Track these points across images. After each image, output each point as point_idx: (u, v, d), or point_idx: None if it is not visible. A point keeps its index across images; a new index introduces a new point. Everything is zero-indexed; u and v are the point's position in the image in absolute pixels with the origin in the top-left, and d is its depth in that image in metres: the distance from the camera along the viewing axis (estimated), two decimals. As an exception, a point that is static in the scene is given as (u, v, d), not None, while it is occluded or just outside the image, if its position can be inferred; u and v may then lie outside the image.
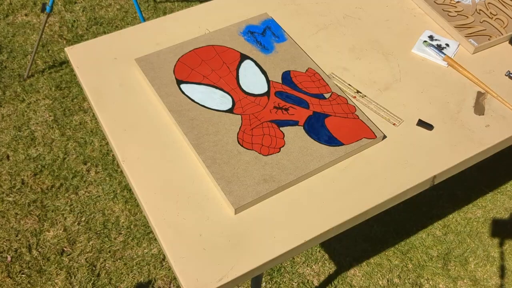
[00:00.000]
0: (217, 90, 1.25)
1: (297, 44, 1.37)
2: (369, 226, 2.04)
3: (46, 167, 2.13)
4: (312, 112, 1.22)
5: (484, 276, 1.95)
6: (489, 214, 2.19)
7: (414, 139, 1.19)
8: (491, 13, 1.47)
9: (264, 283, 1.87)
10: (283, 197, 1.08)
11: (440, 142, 1.18)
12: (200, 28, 1.41)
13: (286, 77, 1.29)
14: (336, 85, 1.28)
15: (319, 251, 1.96)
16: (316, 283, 1.89)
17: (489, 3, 1.50)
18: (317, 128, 1.18)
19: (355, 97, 1.27)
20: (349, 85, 1.29)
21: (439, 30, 1.45)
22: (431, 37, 1.41)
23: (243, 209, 1.05)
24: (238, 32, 1.38)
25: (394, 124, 1.22)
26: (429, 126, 1.21)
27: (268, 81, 1.28)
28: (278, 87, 1.27)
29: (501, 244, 2.11)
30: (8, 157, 2.16)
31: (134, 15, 2.82)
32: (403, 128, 1.21)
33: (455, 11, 1.47)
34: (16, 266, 1.86)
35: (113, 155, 2.18)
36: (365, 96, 1.28)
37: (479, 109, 1.27)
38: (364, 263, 1.95)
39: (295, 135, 1.16)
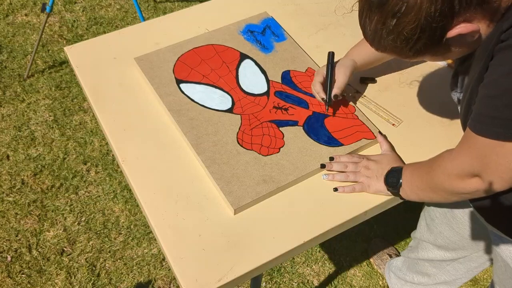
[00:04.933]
0: (217, 90, 1.24)
1: (297, 43, 1.37)
2: (369, 226, 2.04)
3: (46, 167, 2.13)
4: (311, 112, 1.21)
5: (484, 276, 1.95)
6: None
7: (413, 139, 1.19)
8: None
9: (264, 283, 1.87)
10: (283, 197, 1.08)
11: (439, 143, 1.18)
12: (199, 28, 1.40)
13: (286, 76, 1.29)
14: None
15: (319, 251, 1.96)
16: (316, 283, 1.89)
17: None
18: (316, 128, 1.18)
19: (354, 97, 1.26)
20: (349, 85, 1.29)
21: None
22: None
23: (242, 209, 1.04)
24: (237, 31, 1.38)
25: (393, 124, 1.22)
26: (372, 80, 1.28)
27: (267, 80, 1.28)
28: (278, 86, 1.26)
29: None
30: (8, 157, 2.16)
31: (134, 15, 2.82)
32: (403, 129, 1.21)
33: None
34: (16, 266, 1.85)
35: (113, 155, 2.18)
36: (365, 96, 1.27)
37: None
38: (364, 263, 1.95)
39: (294, 135, 1.16)
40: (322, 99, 1.18)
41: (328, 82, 1.17)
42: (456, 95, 0.99)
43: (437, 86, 1.30)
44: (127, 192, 2.07)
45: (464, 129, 0.91)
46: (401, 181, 1.03)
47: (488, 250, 1.32)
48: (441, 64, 1.35)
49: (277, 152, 1.13)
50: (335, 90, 1.17)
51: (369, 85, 1.30)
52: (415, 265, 1.55)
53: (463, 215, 1.24)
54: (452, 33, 0.77)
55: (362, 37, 0.88)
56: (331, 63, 1.19)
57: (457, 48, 0.83)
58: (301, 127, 1.18)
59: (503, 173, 0.83)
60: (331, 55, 1.20)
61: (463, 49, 0.84)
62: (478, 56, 0.83)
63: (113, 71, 1.30)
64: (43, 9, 2.24)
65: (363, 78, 1.29)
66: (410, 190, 1.02)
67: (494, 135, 0.79)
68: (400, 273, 1.65)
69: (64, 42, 2.65)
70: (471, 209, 1.21)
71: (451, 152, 0.92)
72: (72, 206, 2.02)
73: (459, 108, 0.98)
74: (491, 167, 0.83)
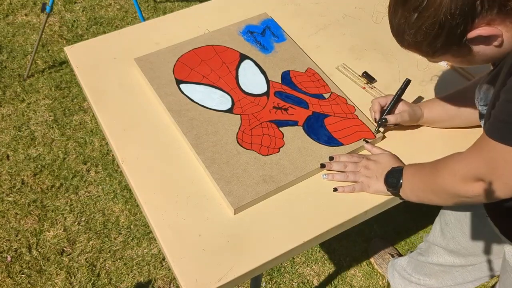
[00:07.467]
0: (217, 90, 1.25)
1: (297, 44, 1.37)
2: (369, 226, 2.04)
3: (46, 167, 2.13)
4: (311, 112, 1.21)
5: (484, 276, 1.95)
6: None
7: (413, 139, 1.19)
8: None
9: (264, 283, 1.87)
10: (283, 197, 1.08)
11: (440, 142, 1.18)
12: (199, 28, 1.40)
13: (286, 77, 1.29)
14: (346, 75, 1.27)
15: (319, 251, 1.96)
16: (316, 283, 1.89)
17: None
18: (316, 128, 1.18)
19: (364, 87, 1.27)
20: (359, 76, 1.29)
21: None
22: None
23: (242, 209, 1.05)
24: (237, 32, 1.38)
25: (393, 124, 1.22)
26: (371, 79, 1.28)
27: (267, 81, 1.28)
28: (278, 87, 1.26)
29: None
30: (8, 157, 2.17)
31: (134, 15, 2.82)
32: (403, 128, 1.21)
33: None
34: (16, 266, 1.86)
35: (113, 155, 2.18)
36: (375, 87, 1.27)
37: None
38: (364, 263, 1.95)
39: (294, 135, 1.16)
40: (374, 119, 1.18)
41: (389, 105, 1.16)
42: (479, 107, 0.97)
43: (437, 87, 1.30)
44: (127, 192, 2.07)
45: None
46: (401, 181, 1.03)
47: (498, 259, 1.30)
48: (442, 64, 1.35)
49: (277, 152, 1.13)
50: (389, 116, 1.15)
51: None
52: (423, 267, 1.54)
53: (477, 221, 1.23)
54: (472, 34, 0.78)
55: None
56: (402, 89, 1.17)
57: (479, 52, 0.83)
58: (301, 127, 1.18)
59: (508, 179, 0.83)
60: (406, 82, 1.18)
61: (486, 54, 0.83)
62: (506, 64, 0.83)
63: (113, 71, 1.30)
64: (43, 9, 2.25)
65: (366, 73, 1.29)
66: (410, 191, 1.02)
67: (505, 141, 0.79)
68: (405, 273, 1.64)
69: (64, 42, 2.65)
70: (485, 215, 1.20)
71: (460, 154, 0.92)
72: (72, 206, 2.02)
73: (481, 123, 0.96)
74: (497, 172, 0.83)
